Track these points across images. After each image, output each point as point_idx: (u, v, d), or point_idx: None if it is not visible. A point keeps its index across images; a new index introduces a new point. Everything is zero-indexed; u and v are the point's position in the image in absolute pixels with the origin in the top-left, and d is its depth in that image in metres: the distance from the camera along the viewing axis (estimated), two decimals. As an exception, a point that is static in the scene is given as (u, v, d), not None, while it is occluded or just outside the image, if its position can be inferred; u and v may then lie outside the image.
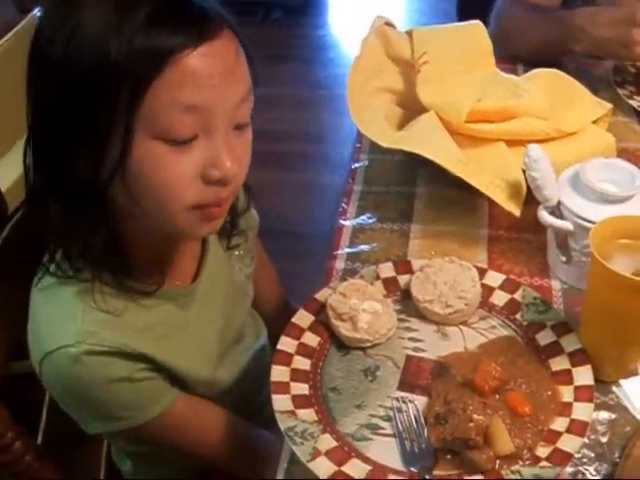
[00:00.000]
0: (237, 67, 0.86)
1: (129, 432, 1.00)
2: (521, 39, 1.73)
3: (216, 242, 1.12)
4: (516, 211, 1.18)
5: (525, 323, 1.04)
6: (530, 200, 1.15)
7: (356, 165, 1.46)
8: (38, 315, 0.95)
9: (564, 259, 1.13)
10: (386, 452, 0.90)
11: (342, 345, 1.03)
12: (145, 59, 0.78)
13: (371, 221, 1.30)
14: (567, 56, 1.72)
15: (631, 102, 1.55)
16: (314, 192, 2.82)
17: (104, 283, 0.92)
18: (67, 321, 0.91)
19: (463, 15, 1.45)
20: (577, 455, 0.90)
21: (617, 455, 0.91)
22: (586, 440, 0.91)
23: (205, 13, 0.83)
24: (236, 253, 1.18)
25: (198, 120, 0.83)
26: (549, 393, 0.94)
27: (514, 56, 1.74)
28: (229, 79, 0.84)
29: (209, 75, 0.82)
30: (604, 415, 0.96)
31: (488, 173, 1.19)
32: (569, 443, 0.87)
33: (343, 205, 1.35)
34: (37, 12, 2.11)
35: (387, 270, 1.12)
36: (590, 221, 1.04)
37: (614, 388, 0.82)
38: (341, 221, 1.31)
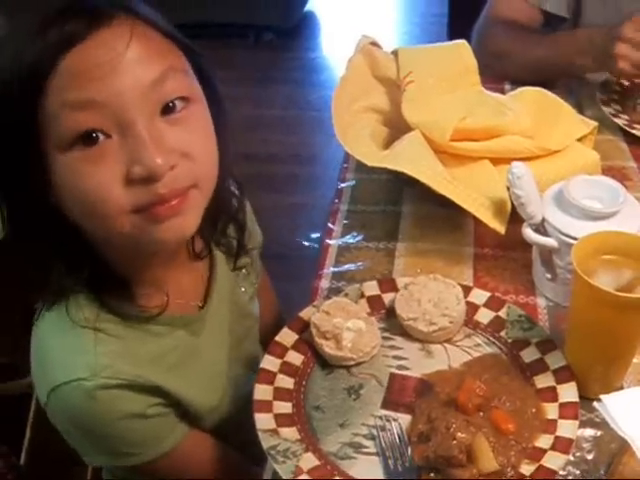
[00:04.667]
0: (134, 50, 0.78)
1: (133, 468, 0.98)
2: (513, 60, 1.74)
3: (224, 262, 1.10)
4: (501, 229, 1.18)
5: (510, 340, 1.04)
6: (515, 218, 1.15)
7: (343, 185, 1.46)
8: (44, 346, 0.92)
9: (549, 276, 1.13)
10: (369, 471, 0.89)
11: (326, 364, 1.02)
12: (28, 72, 0.77)
13: (357, 240, 1.30)
14: (567, 75, 1.72)
15: (617, 120, 1.56)
16: (304, 214, 2.83)
17: (109, 312, 0.90)
18: (79, 353, 0.88)
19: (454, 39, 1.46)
20: (562, 472, 0.89)
21: (602, 472, 0.90)
22: (571, 457, 0.91)
23: (89, 10, 0.79)
24: (243, 271, 1.16)
25: (100, 117, 0.77)
26: (533, 410, 0.93)
27: (503, 76, 1.75)
28: (122, 66, 0.77)
29: (91, 67, 0.76)
30: (590, 432, 0.95)
31: (473, 191, 1.19)
32: (554, 460, 0.86)
33: (329, 224, 1.35)
34: None
35: (371, 288, 1.12)
36: (574, 238, 1.04)
37: (595, 404, 0.81)
38: (327, 240, 1.30)
